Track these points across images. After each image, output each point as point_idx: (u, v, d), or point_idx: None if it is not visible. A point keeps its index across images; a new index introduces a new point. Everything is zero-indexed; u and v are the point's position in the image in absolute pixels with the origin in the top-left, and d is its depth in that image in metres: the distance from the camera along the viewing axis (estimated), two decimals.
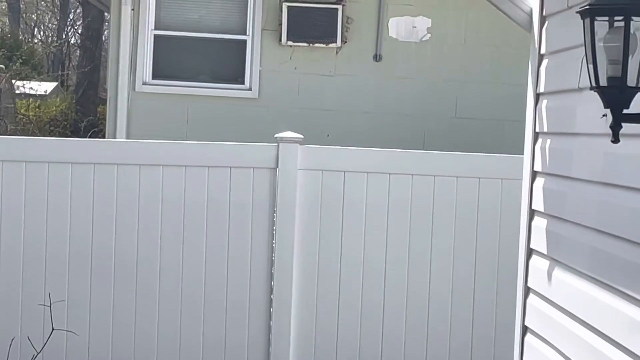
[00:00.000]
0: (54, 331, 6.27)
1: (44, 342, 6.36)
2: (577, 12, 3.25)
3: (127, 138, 9.87)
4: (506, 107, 9.76)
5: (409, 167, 6.74)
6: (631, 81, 3.11)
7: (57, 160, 6.56)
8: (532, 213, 4.73)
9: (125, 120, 10.00)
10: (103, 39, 25.74)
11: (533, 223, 4.70)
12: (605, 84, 3.15)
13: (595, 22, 3.14)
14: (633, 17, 3.07)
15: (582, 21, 3.22)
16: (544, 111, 4.60)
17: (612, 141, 3.20)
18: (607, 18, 3.12)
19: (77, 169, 6.57)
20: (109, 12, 13.44)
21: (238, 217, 6.64)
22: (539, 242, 4.59)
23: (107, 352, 6.60)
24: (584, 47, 3.26)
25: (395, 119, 10.05)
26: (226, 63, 10.23)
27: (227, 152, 6.77)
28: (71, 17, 32.35)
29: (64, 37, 31.67)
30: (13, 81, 21.11)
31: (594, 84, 3.20)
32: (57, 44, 30.26)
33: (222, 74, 10.23)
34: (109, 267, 6.58)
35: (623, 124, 3.20)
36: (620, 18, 3.07)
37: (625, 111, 3.17)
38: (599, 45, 3.14)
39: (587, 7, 3.15)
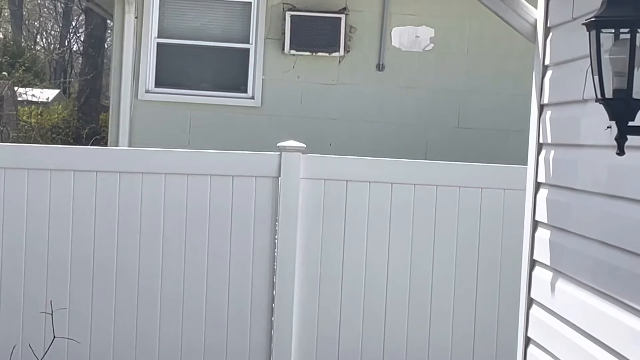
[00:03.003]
0: (55, 339, 6.26)
1: (45, 350, 6.35)
2: (582, 24, 3.25)
3: (129, 146, 9.87)
4: (509, 117, 9.76)
5: (411, 176, 6.73)
6: (637, 93, 3.10)
7: (59, 168, 6.56)
8: (535, 224, 4.72)
9: (127, 128, 10.00)
10: (105, 46, 25.78)
11: (536, 234, 4.69)
12: (611, 96, 3.14)
13: (601, 34, 3.13)
14: (639, 30, 3.06)
15: (587, 33, 3.21)
16: (548, 122, 4.59)
17: (617, 153, 3.19)
18: (613, 30, 3.12)
19: (79, 176, 6.56)
20: (111, 20, 13.46)
21: (240, 226, 6.64)
22: (542, 254, 4.58)
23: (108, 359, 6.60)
24: (589, 59, 3.25)
25: (398, 128, 10.06)
26: (229, 71, 10.24)
27: (229, 160, 6.76)
28: (74, 25, 32.43)
29: (66, 44, 31.74)
30: (15, 88, 21.14)
31: (599, 96, 3.19)
32: (60, 51, 30.34)
33: (225, 83, 10.24)
34: (111, 274, 6.57)
35: (628, 136, 3.19)
36: (626, 30, 3.06)
37: (630, 123, 3.16)
38: (605, 57, 3.13)
39: (593, 19, 3.15)
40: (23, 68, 21.89)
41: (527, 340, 4.80)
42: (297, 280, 6.67)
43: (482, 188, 6.72)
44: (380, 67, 10.11)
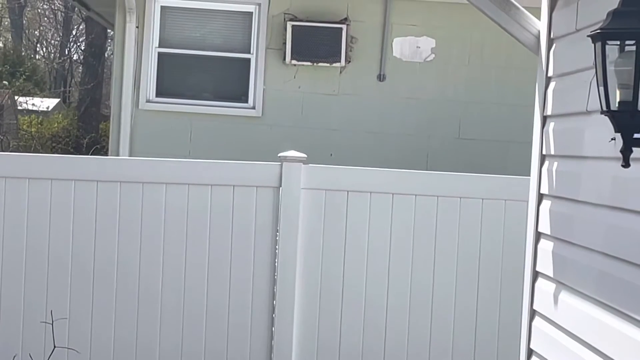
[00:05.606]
0: (55, 348, 6.25)
1: (46, 359, 6.33)
2: (588, 36, 3.24)
3: (130, 155, 9.86)
4: (510, 128, 9.76)
5: (412, 187, 6.73)
6: None
7: (59, 178, 6.55)
8: (538, 235, 4.71)
9: (128, 138, 10.00)
10: (106, 55, 25.79)
11: (539, 245, 4.68)
12: (616, 108, 3.13)
13: (607, 46, 3.13)
14: None
15: (592, 45, 3.21)
16: (551, 134, 4.59)
17: (622, 165, 3.19)
18: (618, 42, 3.11)
19: (79, 186, 6.56)
20: (112, 29, 13.47)
21: (241, 236, 6.64)
22: (545, 265, 4.57)
23: None
24: (594, 71, 3.25)
25: (399, 138, 10.05)
26: (230, 81, 10.24)
27: (230, 170, 6.76)
28: (74, 34, 32.47)
29: (66, 53, 31.76)
30: (15, 97, 21.16)
31: (604, 108, 3.18)
32: (60, 60, 30.36)
33: (226, 92, 10.23)
34: (111, 283, 6.56)
35: (633, 149, 3.18)
36: (632, 42, 3.06)
37: (636, 135, 3.16)
38: (610, 69, 3.13)
39: (599, 30, 3.14)
40: (23, 77, 21.93)
41: (530, 352, 4.79)
42: (297, 290, 6.66)
43: (483, 199, 6.72)
44: (381, 77, 10.11)
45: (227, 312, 6.63)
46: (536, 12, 4.86)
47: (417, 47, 10.11)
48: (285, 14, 10.00)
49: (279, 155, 6.74)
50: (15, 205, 6.51)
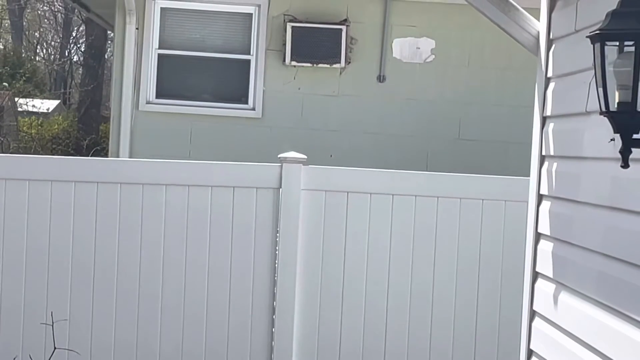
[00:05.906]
0: (55, 350, 6.25)
1: None
2: (587, 37, 3.25)
3: (130, 157, 9.87)
4: (510, 129, 9.76)
5: (412, 188, 6.73)
6: None
7: (60, 179, 6.56)
8: (537, 236, 4.71)
9: (128, 139, 10.00)
10: (106, 57, 25.80)
11: (539, 246, 4.69)
12: (615, 109, 3.14)
13: (606, 47, 3.13)
14: None
15: (592, 45, 3.21)
16: (550, 134, 4.59)
17: (621, 166, 3.19)
18: (617, 43, 3.12)
19: (80, 187, 6.56)
20: (112, 31, 13.48)
21: (241, 237, 6.64)
22: (545, 266, 4.57)
23: None
24: (593, 72, 3.25)
25: (399, 139, 10.05)
26: (230, 83, 10.24)
27: (230, 172, 6.76)
28: (74, 35, 32.48)
29: (66, 55, 31.78)
30: (16, 99, 21.17)
31: (603, 109, 3.19)
32: (60, 62, 30.37)
33: (226, 94, 10.24)
34: (112, 284, 6.57)
35: (632, 149, 3.18)
36: (631, 43, 3.06)
37: (635, 136, 3.16)
38: (609, 69, 3.13)
39: (598, 31, 3.15)
40: (23, 79, 21.93)
41: (530, 353, 4.79)
42: (297, 290, 6.66)
43: (483, 199, 6.72)
44: (381, 78, 10.11)
45: (227, 313, 6.63)
46: (535, 13, 4.86)
47: (416, 48, 10.11)
48: (285, 15, 10.00)
49: (279, 156, 6.75)
50: (15, 206, 6.51)
